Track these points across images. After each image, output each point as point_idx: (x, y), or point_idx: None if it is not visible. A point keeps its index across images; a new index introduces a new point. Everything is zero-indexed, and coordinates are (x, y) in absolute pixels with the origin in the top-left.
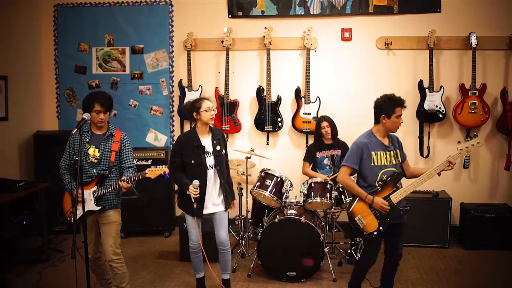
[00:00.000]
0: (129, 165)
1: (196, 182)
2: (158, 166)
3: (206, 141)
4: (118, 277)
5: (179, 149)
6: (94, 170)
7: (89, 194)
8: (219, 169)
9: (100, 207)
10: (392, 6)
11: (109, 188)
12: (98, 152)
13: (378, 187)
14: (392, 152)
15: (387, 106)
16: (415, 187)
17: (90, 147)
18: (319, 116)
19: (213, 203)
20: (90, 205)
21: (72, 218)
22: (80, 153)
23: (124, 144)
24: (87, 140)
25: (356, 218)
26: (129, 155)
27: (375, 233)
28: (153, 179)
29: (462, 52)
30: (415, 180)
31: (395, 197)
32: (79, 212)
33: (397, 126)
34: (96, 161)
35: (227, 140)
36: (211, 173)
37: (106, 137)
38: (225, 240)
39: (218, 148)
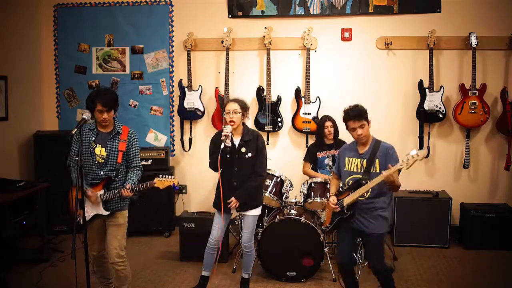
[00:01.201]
0: (135, 165)
1: (228, 128)
2: (168, 176)
3: (236, 140)
4: (121, 279)
5: (213, 146)
6: (102, 172)
7: (96, 196)
8: (236, 171)
9: (109, 211)
10: (392, 6)
11: (116, 193)
12: (105, 151)
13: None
14: (364, 160)
15: (343, 120)
16: (360, 193)
17: (96, 146)
18: (319, 116)
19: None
20: (99, 209)
21: (80, 220)
22: (80, 154)
23: (132, 142)
24: (93, 138)
25: (322, 213)
26: (136, 154)
27: (325, 228)
28: (162, 189)
29: (462, 52)
30: (362, 186)
31: (345, 200)
32: (88, 216)
33: (355, 137)
34: (103, 161)
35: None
36: (234, 172)
37: (112, 136)
38: (246, 244)
39: (242, 150)
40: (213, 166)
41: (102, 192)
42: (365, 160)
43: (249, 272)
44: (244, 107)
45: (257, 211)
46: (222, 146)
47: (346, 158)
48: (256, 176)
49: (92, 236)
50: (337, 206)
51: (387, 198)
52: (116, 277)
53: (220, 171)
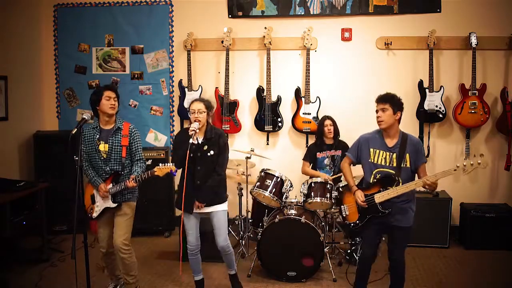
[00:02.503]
0: (138, 158)
1: (195, 124)
2: (166, 164)
3: (199, 139)
4: (127, 266)
5: (176, 142)
6: (107, 168)
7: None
8: (199, 169)
9: (117, 203)
10: (392, 6)
11: (123, 185)
12: (108, 147)
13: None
14: (394, 154)
15: None
16: (398, 193)
17: (100, 143)
18: (319, 116)
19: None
20: (108, 203)
21: (93, 214)
22: (80, 153)
23: (133, 136)
24: (97, 136)
25: (342, 206)
26: (138, 147)
27: (352, 224)
28: (161, 177)
29: (462, 52)
30: (401, 186)
31: (378, 197)
32: (98, 210)
33: (377, 121)
34: (106, 156)
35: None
36: (196, 171)
37: (114, 131)
38: (223, 245)
39: (204, 148)
40: (179, 162)
41: (111, 186)
42: (394, 154)
43: (234, 267)
44: (209, 107)
45: (224, 206)
46: (191, 141)
47: (372, 149)
48: (216, 175)
49: (103, 232)
50: (366, 203)
51: (413, 190)
52: (122, 265)
53: (185, 169)
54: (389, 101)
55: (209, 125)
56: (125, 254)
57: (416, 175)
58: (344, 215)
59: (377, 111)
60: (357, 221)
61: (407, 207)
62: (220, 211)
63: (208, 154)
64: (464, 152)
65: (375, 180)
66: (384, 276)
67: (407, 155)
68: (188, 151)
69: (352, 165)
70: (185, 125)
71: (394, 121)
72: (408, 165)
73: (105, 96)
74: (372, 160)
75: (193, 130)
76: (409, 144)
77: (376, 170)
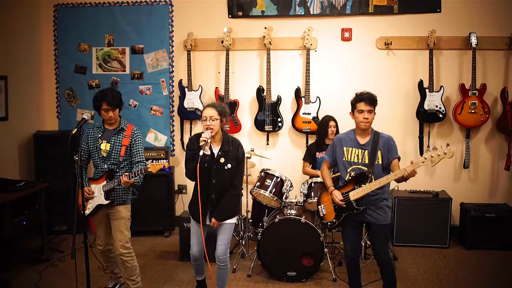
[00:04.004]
0: (139, 160)
1: (207, 133)
2: (159, 161)
3: (215, 149)
4: (128, 270)
5: (192, 148)
6: (105, 166)
7: (99, 188)
8: (214, 183)
9: (109, 201)
10: (392, 6)
11: (116, 182)
12: (109, 146)
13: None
14: (366, 151)
15: (353, 102)
16: (371, 189)
17: (102, 142)
18: (319, 116)
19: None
20: (100, 199)
21: (85, 211)
22: (80, 153)
23: (135, 138)
24: (100, 135)
25: (319, 206)
26: (139, 149)
27: (329, 223)
28: (154, 173)
29: (462, 52)
30: (374, 182)
31: (353, 195)
32: (90, 207)
33: (360, 121)
34: (106, 154)
35: None
36: (211, 184)
37: (117, 132)
38: (220, 257)
39: (221, 160)
40: (191, 176)
41: (104, 183)
42: (366, 151)
43: None
44: (223, 113)
45: (234, 220)
46: (201, 153)
47: (345, 148)
48: (233, 189)
49: (97, 229)
50: (344, 202)
51: (388, 188)
52: (124, 268)
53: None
54: (374, 102)
55: (225, 134)
56: (126, 257)
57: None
58: (322, 215)
59: (361, 111)
60: (334, 220)
61: (383, 205)
62: (228, 223)
63: (226, 167)
64: (464, 152)
65: (350, 178)
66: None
67: (379, 152)
68: (199, 164)
69: (331, 167)
70: (185, 125)
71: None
72: (380, 162)
73: (103, 107)
74: (346, 159)
75: (204, 140)
76: (381, 141)
77: (350, 168)
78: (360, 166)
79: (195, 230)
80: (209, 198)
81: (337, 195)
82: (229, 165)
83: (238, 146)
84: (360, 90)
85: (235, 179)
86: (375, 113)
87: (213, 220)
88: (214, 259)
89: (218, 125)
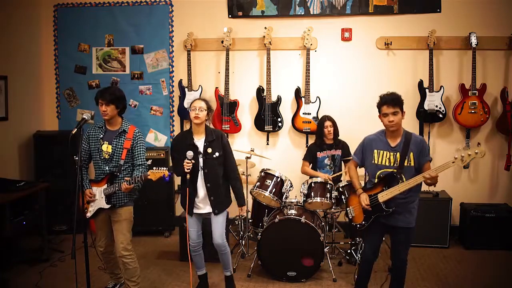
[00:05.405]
0: (140, 163)
1: (189, 153)
2: (160, 168)
3: (199, 141)
4: (129, 271)
5: (175, 145)
6: (107, 168)
7: (100, 191)
8: (206, 172)
9: (110, 205)
10: (392, 6)
11: (117, 187)
12: (111, 148)
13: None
14: (397, 153)
15: (377, 105)
16: (400, 190)
17: (103, 143)
18: (319, 116)
19: (204, 204)
20: (101, 203)
21: (87, 214)
22: (80, 153)
23: (137, 140)
24: (101, 136)
25: (348, 208)
26: (141, 152)
27: (358, 226)
28: (154, 181)
29: (462, 52)
30: (402, 183)
31: (382, 196)
32: (92, 210)
33: (386, 124)
34: (108, 157)
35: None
36: (201, 174)
37: (118, 134)
38: (219, 243)
39: (209, 150)
40: (179, 173)
41: (105, 186)
42: (398, 153)
43: (230, 269)
44: (210, 108)
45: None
46: (188, 154)
47: (375, 151)
48: (235, 181)
49: (98, 231)
50: (369, 205)
51: (418, 190)
52: (125, 270)
53: (189, 176)
54: (398, 103)
55: (207, 126)
56: (127, 259)
57: None
58: (351, 217)
59: (386, 115)
60: (363, 222)
61: (411, 208)
62: (214, 214)
63: (214, 156)
64: (464, 145)
65: (378, 179)
66: (386, 280)
67: (411, 154)
68: (191, 167)
69: (358, 167)
70: (185, 125)
71: (401, 122)
72: (412, 164)
73: (99, 102)
74: (376, 162)
75: (188, 163)
76: (413, 143)
77: (379, 172)
78: (390, 169)
79: (192, 221)
80: (204, 188)
81: (364, 200)
82: (216, 153)
83: (222, 135)
84: (384, 92)
85: (230, 171)
86: (404, 112)
87: (242, 210)
88: (208, 258)
89: (204, 116)
